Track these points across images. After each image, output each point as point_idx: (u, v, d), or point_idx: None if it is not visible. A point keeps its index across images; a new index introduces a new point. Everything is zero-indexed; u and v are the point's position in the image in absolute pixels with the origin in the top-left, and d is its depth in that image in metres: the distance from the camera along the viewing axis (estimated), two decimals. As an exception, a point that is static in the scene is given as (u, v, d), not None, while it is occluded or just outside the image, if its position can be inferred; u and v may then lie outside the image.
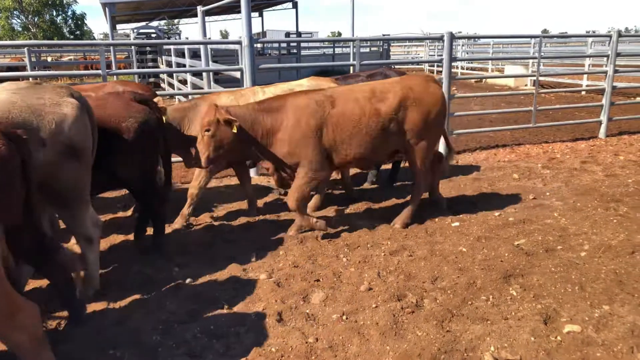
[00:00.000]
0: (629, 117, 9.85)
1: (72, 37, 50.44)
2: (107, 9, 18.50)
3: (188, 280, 3.83)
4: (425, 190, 5.07)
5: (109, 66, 17.27)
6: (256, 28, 28.52)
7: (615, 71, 8.88)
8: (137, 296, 3.59)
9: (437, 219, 4.99)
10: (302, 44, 23.19)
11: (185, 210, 4.96)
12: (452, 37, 7.54)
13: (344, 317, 3.27)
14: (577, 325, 3.05)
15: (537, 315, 3.18)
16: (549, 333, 3.01)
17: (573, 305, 3.31)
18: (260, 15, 29.43)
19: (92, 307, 3.41)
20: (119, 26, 29.28)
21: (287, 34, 24.62)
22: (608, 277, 3.66)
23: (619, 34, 8.67)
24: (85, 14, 62.10)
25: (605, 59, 8.98)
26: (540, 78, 16.72)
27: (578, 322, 3.10)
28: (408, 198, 5.26)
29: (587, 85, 14.39)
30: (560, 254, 4.12)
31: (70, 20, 52.39)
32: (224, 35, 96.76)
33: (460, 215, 5.08)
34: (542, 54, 8.99)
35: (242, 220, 5.16)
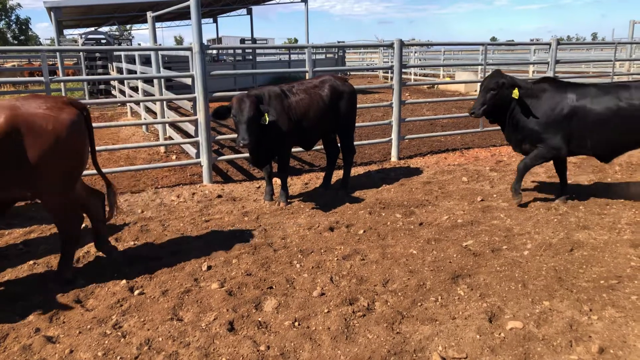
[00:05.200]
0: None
1: (16, 42, 48.45)
2: (52, 13, 17.74)
3: (137, 292, 3.73)
4: None
5: (55, 72, 16.66)
6: (211, 34, 28.27)
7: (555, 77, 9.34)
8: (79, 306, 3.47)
9: (388, 223, 5.08)
10: (258, 51, 23.08)
11: None
12: (402, 45, 7.73)
13: (296, 324, 3.27)
14: (519, 322, 3.18)
15: (482, 314, 3.29)
16: (494, 330, 3.12)
17: (516, 302, 3.45)
18: (215, 21, 29.17)
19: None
20: (67, 31, 28.24)
21: (242, 40, 24.50)
22: (549, 274, 3.84)
23: (558, 42, 9.14)
24: (30, 18, 59.83)
25: (546, 65, 9.42)
26: (489, 84, 17.42)
27: (520, 319, 3.23)
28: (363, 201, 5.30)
29: (532, 91, 15.02)
30: (505, 253, 4.29)
31: (14, 25, 50.39)
32: (179, 41, 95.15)
33: (411, 218, 5.20)
34: (490, 61, 9.33)
35: (193, 230, 5.08)
